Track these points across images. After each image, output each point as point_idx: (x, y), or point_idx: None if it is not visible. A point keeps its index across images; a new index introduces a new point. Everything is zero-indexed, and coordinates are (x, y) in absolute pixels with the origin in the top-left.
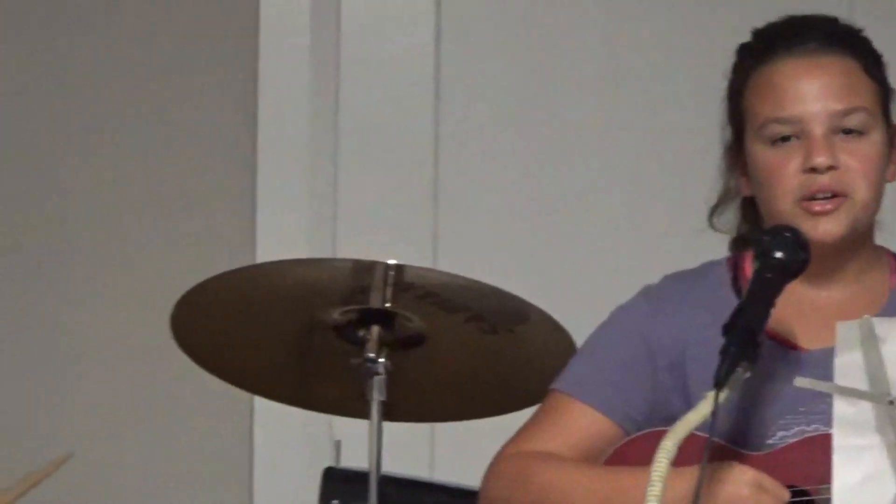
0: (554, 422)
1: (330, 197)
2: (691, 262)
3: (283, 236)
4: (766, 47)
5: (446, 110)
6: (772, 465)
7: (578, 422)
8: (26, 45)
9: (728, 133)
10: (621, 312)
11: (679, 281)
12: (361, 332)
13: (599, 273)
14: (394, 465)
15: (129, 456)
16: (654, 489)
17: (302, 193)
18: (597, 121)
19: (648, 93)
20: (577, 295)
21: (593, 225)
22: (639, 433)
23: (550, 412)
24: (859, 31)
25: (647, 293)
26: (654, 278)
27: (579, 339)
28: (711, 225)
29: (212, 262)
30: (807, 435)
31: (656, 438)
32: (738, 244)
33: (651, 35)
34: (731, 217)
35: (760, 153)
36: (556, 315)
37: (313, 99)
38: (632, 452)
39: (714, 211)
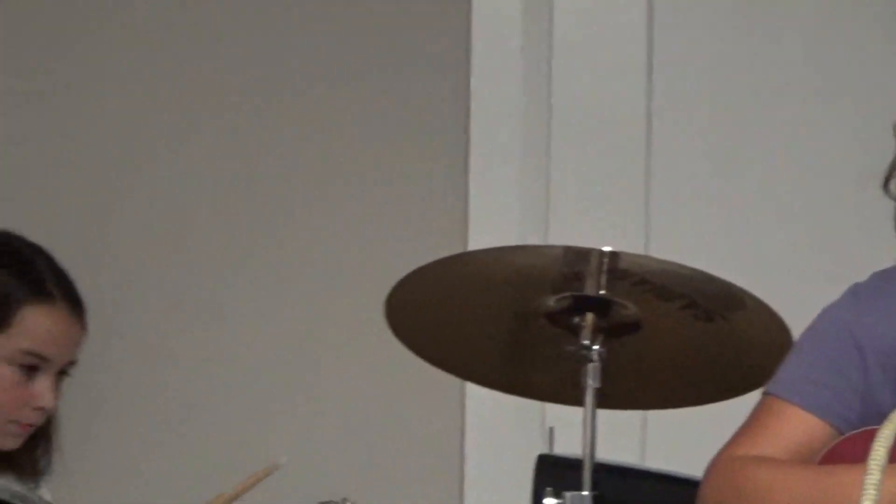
0: (768, 427)
1: (542, 183)
2: None
3: (495, 223)
4: None
5: (659, 96)
6: None
7: (793, 426)
8: (249, 41)
9: None
10: (830, 311)
11: (887, 279)
12: (576, 319)
13: (812, 262)
14: (605, 452)
15: (341, 440)
16: (872, 478)
17: (514, 180)
18: (814, 103)
19: (862, 78)
20: (790, 282)
21: (808, 212)
22: (850, 433)
23: (764, 417)
24: None
25: (856, 291)
26: (865, 276)
27: (793, 327)
28: (886, 190)
29: (425, 250)
30: None
31: (866, 437)
32: None
33: (863, 26)
34: None
35: None
36: (770, 302)
37: (526, 85)
38: (843, 452)
39: (890, 176)
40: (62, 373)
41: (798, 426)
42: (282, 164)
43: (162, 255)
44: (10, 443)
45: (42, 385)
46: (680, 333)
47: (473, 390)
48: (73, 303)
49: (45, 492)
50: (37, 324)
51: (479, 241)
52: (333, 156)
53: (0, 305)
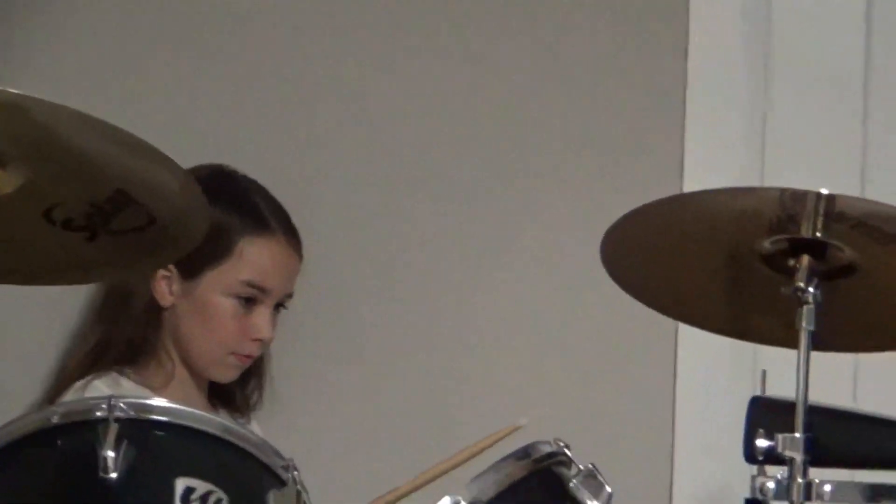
0: None
1: (759, 125)
2: None
3: (710, 165)
4: None
5: (878, 36)
6: None
7: None
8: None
9: None
10: None
11: None
12: (791, 262)
13: None
14: (815, 394)
15: (552, 380)
16: None
17: (731, 122)
18: None
19: None
20: None
21: None
22: None
23: None
24: None
25: None
26: None
27: None
28: None
29: (640, 192)
30: None
31: None
32: None
33: None
34: None
35: None
36: None
37: (744, 26)
38: None
39: None
40: (279, 305)
41: None
42: (500, 110)
43: (400, 207)
44: (229, 374)
45: (260, 317)
46: None
47: (686, 331)
48: (291, 234)
49: (255, 426)
50: (256, 255)
51: (694, 182)
52: (550, 99)
53: (220, 238)
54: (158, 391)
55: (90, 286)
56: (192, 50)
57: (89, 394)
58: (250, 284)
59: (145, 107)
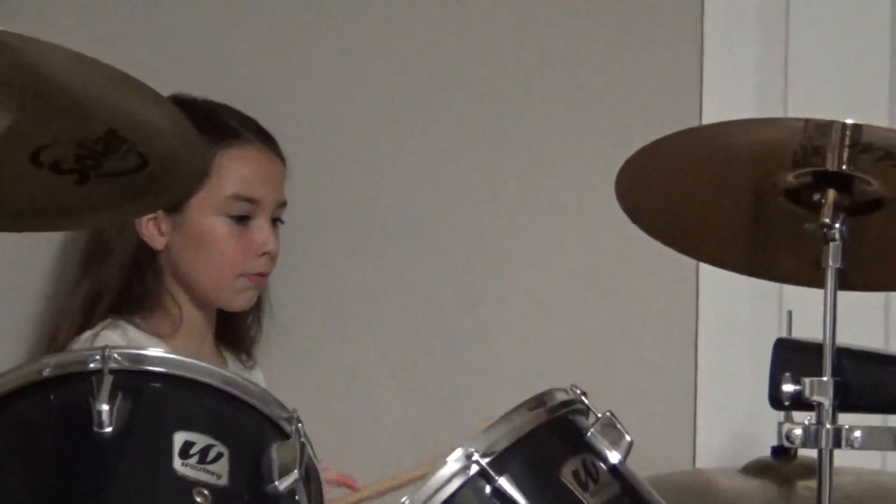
0: None
1: (780, 52)
2: None
3: (730, 95)
4: None
5: None
6: None
7: None
8: None
9: None
10: None
11: None
12: (816, 196)
13: None
14: (845, 335)
15: (571, 321)
16: None
17: (750, 50)
18: None
19: None
20: None
21: None
22: None
23: None
24: None
25: None
26: None
27: None
28: None
29: (657, 124)
30: None
31: None
32: None
33: None
34: None
35: None
36: None
37: None
38: None
39: None
40: (276, 220)
41: None
42: (515, 44)
43: (411, 141)
44: (245, 298)
45: (259, 231)
46: None
47: (708, 272)
48: (265, 139)
49: (258, 375)
50: (235, 166)
51: (713, 114)
52: (565, 31)
53: None
54: (167, 339)
55: (70, 239)
56: None
57: (99, 344)
58: (237, 197)
59: (128, 44)
